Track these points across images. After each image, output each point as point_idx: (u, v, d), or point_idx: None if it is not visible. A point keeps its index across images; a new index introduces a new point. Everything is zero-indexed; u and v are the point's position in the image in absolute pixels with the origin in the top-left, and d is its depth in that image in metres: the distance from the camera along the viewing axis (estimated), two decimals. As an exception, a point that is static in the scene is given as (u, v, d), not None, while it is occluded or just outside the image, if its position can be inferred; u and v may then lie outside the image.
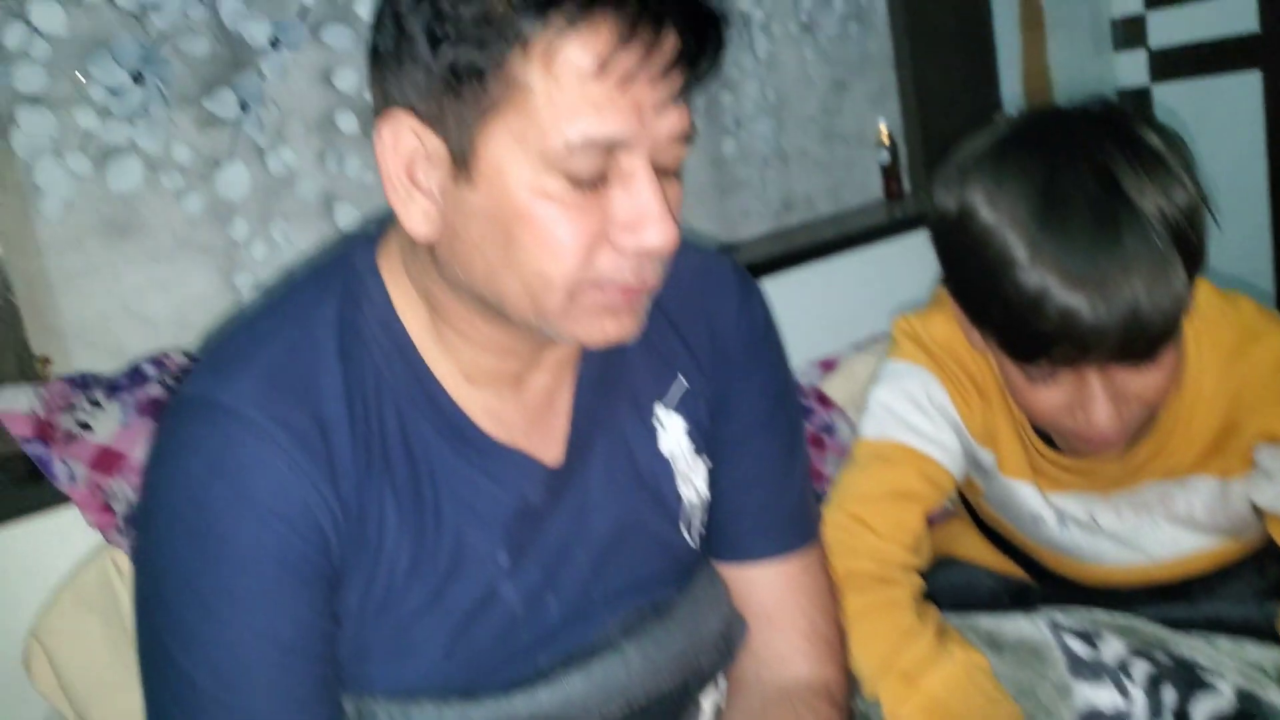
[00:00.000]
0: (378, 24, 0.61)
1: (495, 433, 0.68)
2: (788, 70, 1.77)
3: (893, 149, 1.84)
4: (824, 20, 1.81)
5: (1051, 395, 0.76)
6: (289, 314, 0.66)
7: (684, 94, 0.59)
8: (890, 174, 1.85)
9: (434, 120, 0.59)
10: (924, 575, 0.88)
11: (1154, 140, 0.73)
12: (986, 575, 1.01)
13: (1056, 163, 0.72)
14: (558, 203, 0.57)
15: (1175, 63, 2.16)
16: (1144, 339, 0.70)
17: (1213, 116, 2.11)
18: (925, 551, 0.90)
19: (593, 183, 0.58)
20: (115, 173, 1.21)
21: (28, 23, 1.15)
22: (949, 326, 0.89)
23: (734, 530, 0.79)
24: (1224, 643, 0.83)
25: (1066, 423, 0.77)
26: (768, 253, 1.60)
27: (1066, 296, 0.69)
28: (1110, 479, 0.88)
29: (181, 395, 0.64)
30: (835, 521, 0.87)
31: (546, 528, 0.70)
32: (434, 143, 0.59)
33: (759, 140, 1.75)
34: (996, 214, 0.72)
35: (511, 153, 0.57)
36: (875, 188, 1.89)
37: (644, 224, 0.58)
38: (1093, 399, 0.74)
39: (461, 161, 0.58)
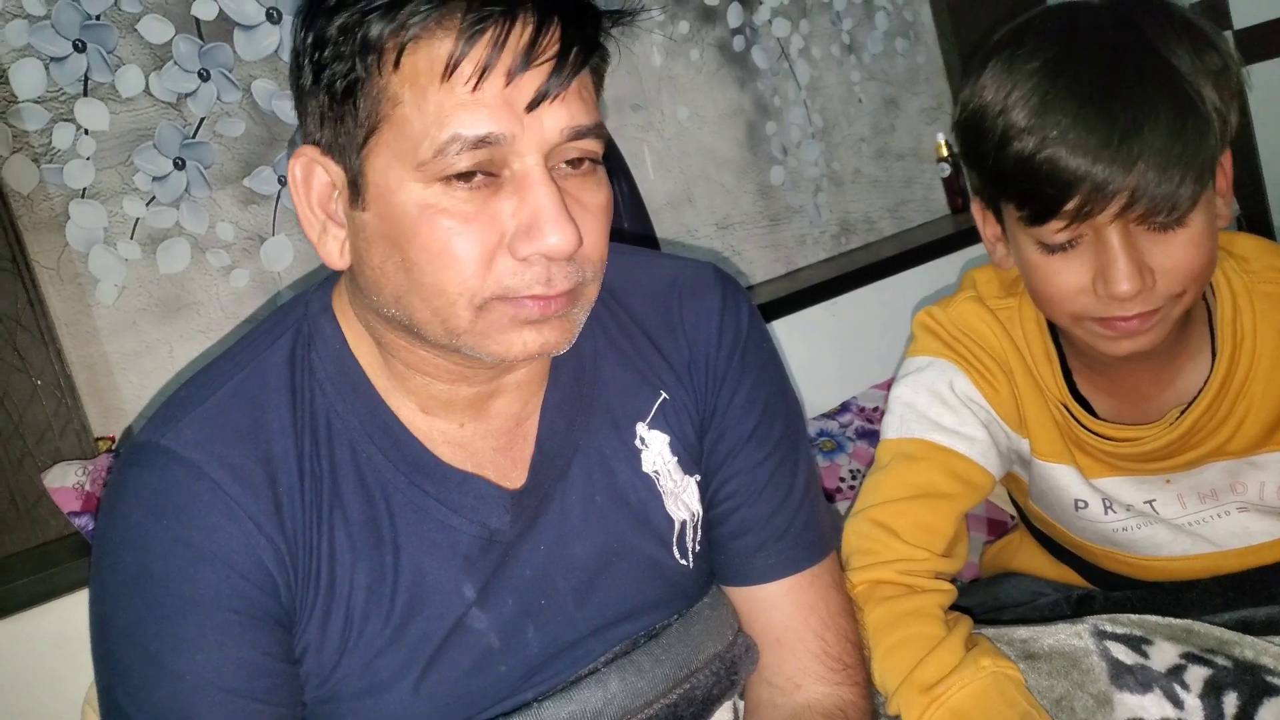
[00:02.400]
0: (290, 65, 0.61)
1: (457, 461, 0.65)
2: (833, 93, 1.73)
3: (954, 160, 1.76)
4: (867, 40, 1.76)
5: (1072, 269, 0.71)
6: (240, 358, 0.65)
7: (566, 82, 0.56)
8: (953, 186, 1.77)
9: (331, 148, 0.58)
10: (983, 589, 0.79)
11: (1187, 13, 0.69)
12: (1048, 586, 0.92)
13: (1078, 26, 0.69)
14: (445, 214, 0.55)
15: (1265, 41, 2.02)
16: (1164, 191, 0.65)
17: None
18: (961, 554, 0.82)
19: (479, 189, 0.55)
20: (164, 255, 1.25)
21: (75, 123, 1.21)
22: (971, 309, 0.84)
23: (735, 552, 0.73)
24: None
25: (1089, 302, 0.71)
26: (825, 275, 1.54)
27: (1078, 142, 0.65)
28: (1166, 456, 0.79)
29: (131, 443, 0.63)
30: (857, 530, 0.81)
31: (520, 556, 0.66)
32: (335, 170, 0.59)
33: (808, 165, 1.70)
34: (1007, 80, 0.69)
35: (394, 170, 0.56)
36: (940, 203, 1.81)
37: (539, 226, 0.55)
38: (1113, 262, 0.68)
39: (355, 185, 0.58)
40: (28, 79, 1.20)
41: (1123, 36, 0.67)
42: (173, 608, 0.58)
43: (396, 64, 0.55)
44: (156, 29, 1.26)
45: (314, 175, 0.59)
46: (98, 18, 1.23)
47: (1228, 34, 2.07)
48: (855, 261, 1.62)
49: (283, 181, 1.32)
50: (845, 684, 0.72)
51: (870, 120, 1.77)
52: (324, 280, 0.70)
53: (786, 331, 1.46)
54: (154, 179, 1.25)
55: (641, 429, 0.71)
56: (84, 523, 1.00)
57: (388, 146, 0.56)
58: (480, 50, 0.53)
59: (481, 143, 0.54)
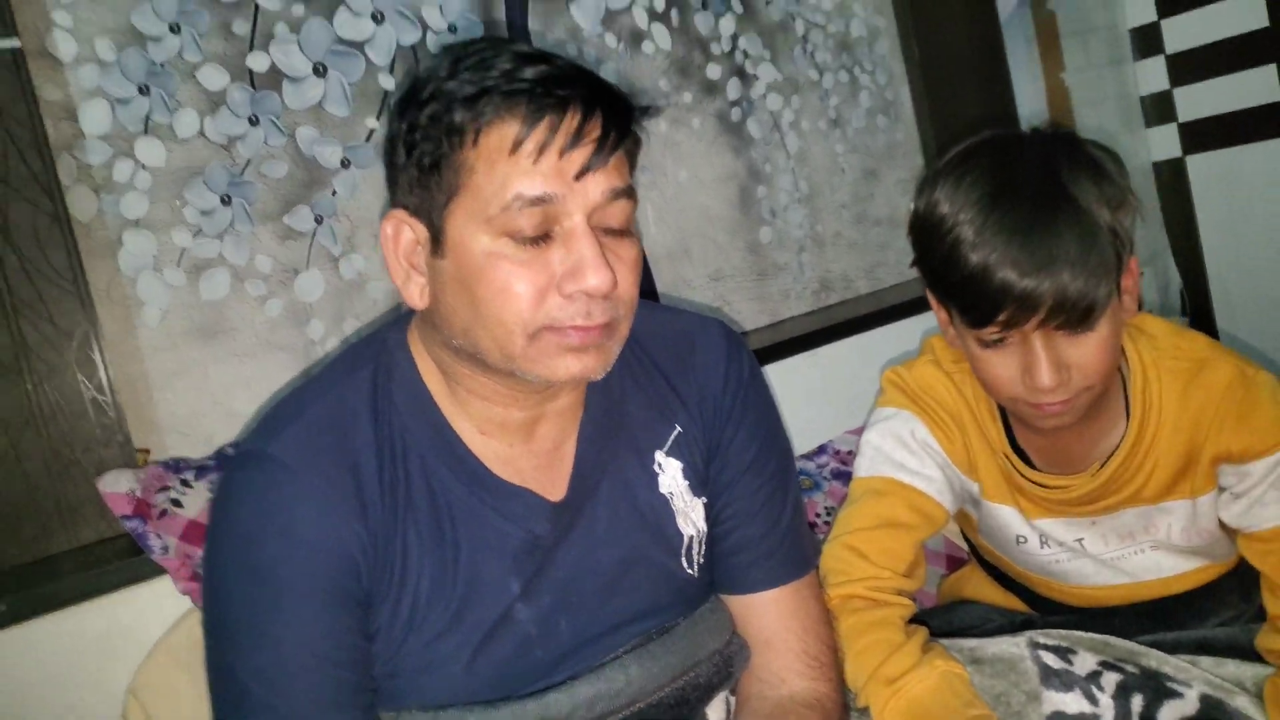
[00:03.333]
0: (384, 145, 0.75)
1: (506, 476, 0.78)
2: (819, 162, 1.89)
3: (925, 229, 1.91)
4: (851, 116, 1.92)
5: (1003, 362, 0.85)
6: (330, 383, 0.78)
7: (601, 159, 0.70)
8: (924, 253, 1.92)
9: (418, 211, 0.72)
10: (940, 614, 0.93)
11: (1097, 153, 0.84)
12: (995, 611, 1.06)
13: (1009, 162, 0.83)
14: (507, 260, 0.69)
15: (1206, 135, 2.22)
16: (1075, 307, 0.79)
17: (1244, 184, 2.15)
18: (920, 575, 0.96)
19: (536, 241, 0.69)
20: (206, 283, 1.36)
21: (134, 159, 1.33)
22: (931, 371, 0.99)
23: (733, 566, 0.86)
24: (1206, 661, 0.87)
25: (1019, 391, 0.85)
26: (806, 328, 1.68)
27: (1007, 269, 0.79)
28: (1089, 501, 0.94)
29: (239, 450, 0.75)
30: (832, 553, 0.95)
31: (556, 559, 0.78)
32: (420, 229, 0.72)
33: (794, 227, 1.85)
34: (954, 203, 0.83)
35: (468, 225, 0.69)
36: (910, 265, 1.97)
37: (581, 270, 0.69)
38: (1037, 362, 0.82)
39: (436, 240, 0.71)
40: (95, 117, 1.31)
41: (1041, 177, 0.81)
42: (276, 587, 0.69)
43: (475, 142, 0.68)
44: (214, 77, 1.37)
45: (402, 233, 0.73)
46: (162, 65, 1.34)
47: (1173, 125, 2.27)
48: (834, 316, 1.76)
49: (319, 220, 1.43)
50: (822, 680, 0.85)
51: (851, 188, 1.93)
52: (397, 320, 0.82)
53: (771, 377, 1.58)
54: (202, 213, 1.36)
55: (659, 456, 0.83)
56: (134, 526, 1.10)
57: (464, 207, 0.69)
58: (539, 132, 0.67)
59: (538, 201, 0.68)
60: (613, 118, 0.70)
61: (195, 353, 1.35)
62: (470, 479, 0.76)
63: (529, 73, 0.68)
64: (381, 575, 0.72)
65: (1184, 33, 2.20)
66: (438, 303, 0.72)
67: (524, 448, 0.79)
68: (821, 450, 1.54)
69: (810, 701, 0.84)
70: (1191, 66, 2.20)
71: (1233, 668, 0.88)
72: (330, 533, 0.70)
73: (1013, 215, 0.80)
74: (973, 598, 1.12)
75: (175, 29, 1.35)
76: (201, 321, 1.36)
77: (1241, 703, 0.84)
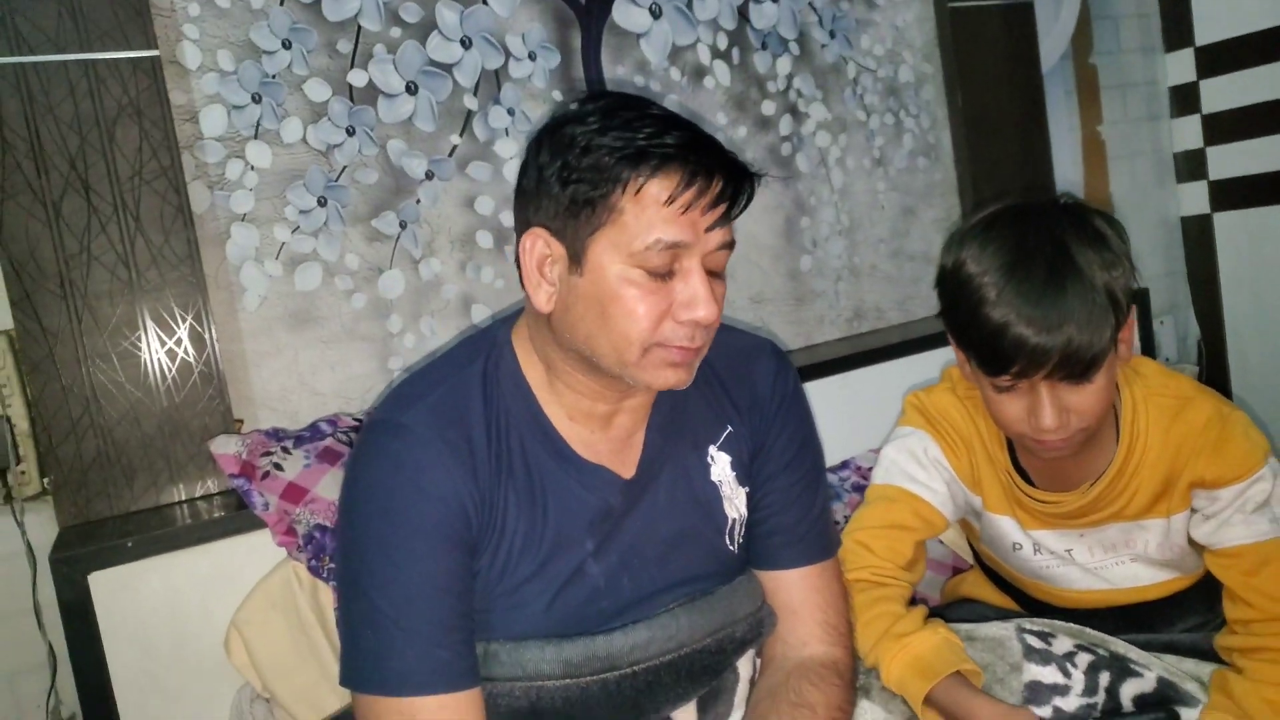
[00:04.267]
0: (523, 170, 0.89)
1: (588, 455, 0.93)
2: (860, 198, 2.02)
3: (957, 267, 2.03)
4: (894, 156, 2.05)
5: (1013, 404, 0.98)
6: (450, 369, 0.94)
7: (726, 218, 0.85)
8: (955, 289, 2.04)
9: (559, 233, 0.86)
10: (942, 611, 1.07)
11: (1100, 224, 0.97)
12: (990, 609, 1.20)
13: (1026, 232, 0.96)
14: (638, 287, 0.84)
15: (1234, 194, 2.32)
16: (1078, 362, 0.92)
17: (1268, 243, 2.25)
18: (919, 570, 1.13)
19: (662, 276, 0.83)
20: (300, 275, 1.51)
21: (245, 160, 1.48)
22: (947, 397, 1.14)
23: (768, 546, 1.01)
24: (1169, 658, 1.02)
25: (1025, 429, 0.98)
26: (839, 353, 1.81)
27: (1022, 328, 0.92)
28: (1079, 515, 1.07)
29: (373, 419, 0.90)
30: (846, 545, 1.11)
31: (624, 526, 0.94)
32: (558, 248, 0.86)
33: (833, 258, 1.98)
34: (979, 266, 0.96)
35: (609, 254, 0.83)
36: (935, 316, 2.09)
37: (695, 304, 0.84)
38: (1042, 407, 0.96)
39: (576, 260, 0.85)
40: (213, 121, 1.47)
41: (1052, 247, 0.94)
42: (406, 530, 0.85)
43: (633, 191, 0.82)
44: (318, 90, 1.53)
45: (538, 246, 0.87)
46: (274, 77, 1.50)
47: (1203, 183, 2.37)
48: (865, 344, 1.88)
49: (403, 225, 1.58)
50: (838, 646, 1.00)
51: (890, 224, 2.06)
52: (504, 319, 0.97)
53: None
54: (300, 211, 1.52)
55: (713, 450, 0.99)
56: (241, 484, 1.25)
57: (608, 238, 0.83)
58: (690, 194, 0.82)
59: (674, 245, 0.83)
60: (740, 184, 0.85)
61: (287, 337, 1.50)
62: (558, 456, 0.91)
63: (676, 138, 0.82)
64: (486, 527, 0.88)
65: (1221, 94, 2.30)
66: (565, 310, 0.86)
67: (603, 434, 0.94)
68: (845, 465, 1.67)
69: (827, 663, 0.97)
70: (1225, 127, 2.30)
71: (1191, 665, 1.03)
72: (450, 488, 0.85)
73: (1028, 281, 0.92)
74: (972, 596, 1.27)
75: (287, 45, 1.51)
76: (294, 309, 1.51)
77: (1191, 688, 0.98)
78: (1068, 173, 2.27)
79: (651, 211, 0.82)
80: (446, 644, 0.85)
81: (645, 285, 0.83)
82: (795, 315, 1.94)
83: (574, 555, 0.91)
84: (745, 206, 0.87)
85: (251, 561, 1.23)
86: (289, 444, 1.30)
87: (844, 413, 1.77)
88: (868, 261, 2.03)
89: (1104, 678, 0.98)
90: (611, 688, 0.91)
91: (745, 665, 1.01)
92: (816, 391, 1.74)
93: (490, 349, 0.94)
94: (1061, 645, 1.01)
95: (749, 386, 1.01)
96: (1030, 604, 1.19)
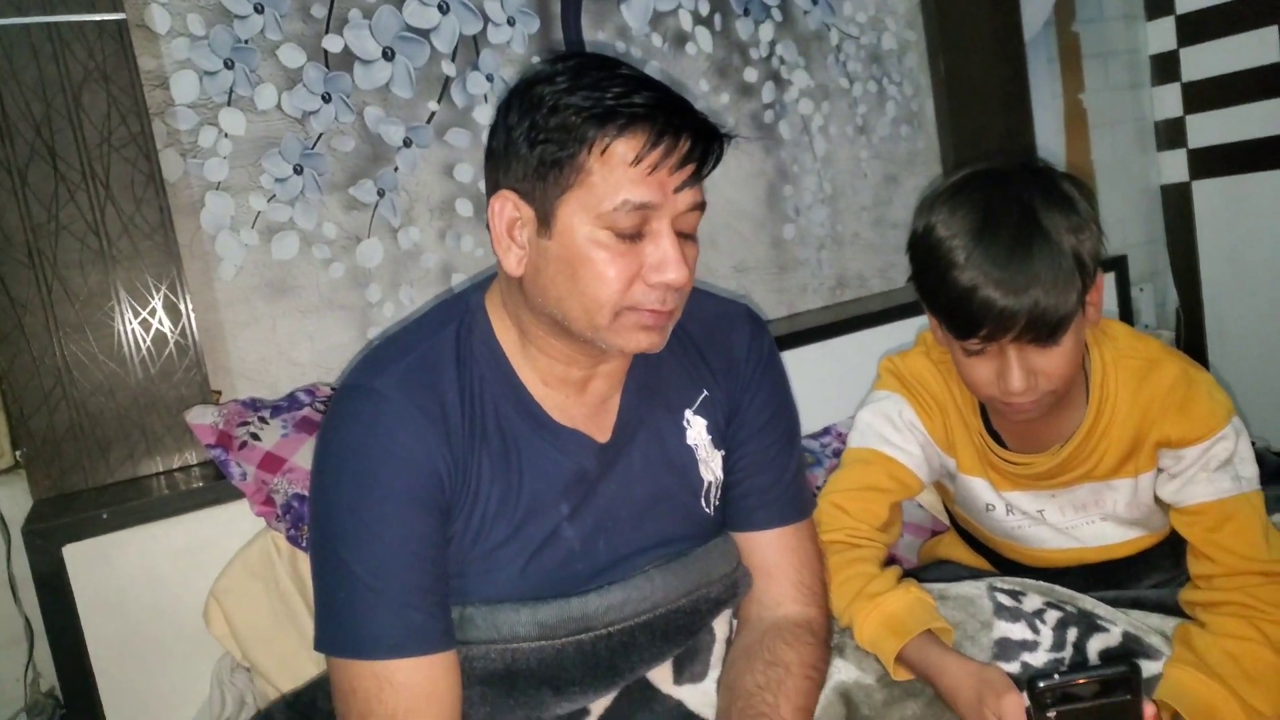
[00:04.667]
0: (492, 132, 0.88)
1: (562, 420, 0.93)
2: (843, 166, 2.01)
3: (939, 235, 2.03)
4: (877, 124, 2.04)
5: (982, 367, 0.99)
6: (423, 334, 0.93)
7: (695, 178, 0.84)
8: (936, 257, 2.04)
9: (528, 195, 0.85)
10: (918, 572, 1.08)
11: (1068, 188, 0.97)
12: (964, 570, 1.22)
13: (994, 197, 0.97)
14: (607, 250, 0.83)
15: (1213, 162, 2.32)
16: (1045, 325, 0.93)
17: (1247, 211, 2.25)
18: (894, 532, 1.14)
19: (631, 237, 0.83)
20: (277, 244, 1.50)
21: (218, 127, 1.46)
22: (922, 361, 1.15)
23: (743, 507, 1.02)
24: (1135, 613, 1.04)
25: (994, 392, 0.99)
26: (821, 321, 1.81)
27: (990, 291, 0.93)
28: (1050, 476, 1.09)
29: (346, 384, 0.90)
30: (822, 507, 1.12)
31: (599, 490, 0.94)
32: (527, 210, 0.85)
33: (816, 226, 1.97)
34: (948, 230, 0.96)
35: (578, 216, 0.83)
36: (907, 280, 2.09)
37: (665, 266, 0.83)
38: (1010, 370, 0.97)
39: (544, 222, 0.84)
40: (185, 87, 1.44)
41: (1020, 212, 0.94)
42: (380, 494, 0.84)
43: (602, 152, 0.81)
44: (292, 55, 1.50)
45: (507, 209, 0.86)
46: (246, 42, 1.47)
47: (1183, 151, 2.38)
48: (847, 311, 1.88)
49: (380, 193, 1.57)
50: (813, 605, 1.01)
51: (872, 192, 2.05)
52: (478, 284, 0.96)
53: (786, 363, 1.71)
54: (276, 180, 1.50)
55: (688, 414, 0.99)
56: (218, 454, 1.24)
57: (577, 199, 0.82)
58: (658, 153, 0.81)
59: (642, 206, 0.82)
60: (710, 144, 0.85)
61: (265, 307, 1.49)
62: (533, 420, 0.91)
63: (644, 98, 0.81)
64: (460, 491, 0.87)
65: (1201, 62, 2.30)
66: (536, 274, 0.86)
67: (577, 399, 0.94)
68: (826, 431, 1.67)
69: (802, 622, 0.99)
70: (1205, 95, 2.30)
71: (1156, 620, 1.05)
72: (423, 452, 0.85)
73: (996, 245, 0.93)
74: (947, 557, 1.29)
75: (259, 9, 1.48)
76: (271, 279, 1.49)
77: (1156, 641, 1.00)
78: (1049, 141, 2.26)
79: (619, 172, 0.81)
80: (420, 607, 0.85)
81: (614, 247, 0.83)
82: (778, 284, 1.94)
83: (549, 519, 0.92)
84: (714, 166, 0.86)
85: (230, 532, 1.23)
86: (266, 414, 1.29)
87: (826, 380, 1.78)
88: (850, 229, 2.02)
89: (1071, 633, 0.99)
90: (587, 649, 0.91)
91: (721, 626, 1.02)
92: (798, 359, 1.75)
93: (463, 314, 0.93)
94: (1031, 603, 1.03)
95: (724, 351, 1.01)
96: (1003, 564, 1.21)
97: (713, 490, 1.00)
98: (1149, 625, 1.04)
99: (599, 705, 0.95)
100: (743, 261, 1.90)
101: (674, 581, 0.96)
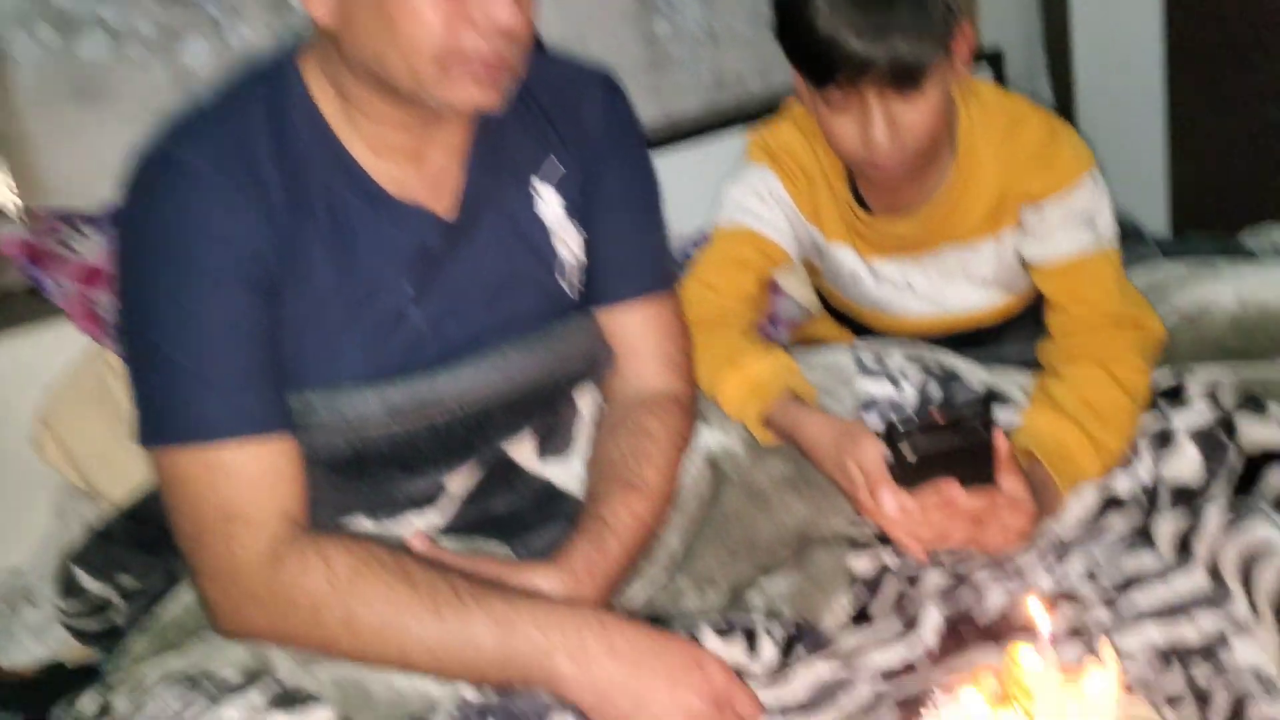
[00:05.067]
0: None
1: (399, 194, 0.85)
2: (717, -44, 1.89)
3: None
4: (751, -91, 1.92)
5: (846, 124, 0.95)
6: (226, 100, 0.83)
7: None
8: (816, 54, 1.97)
9: None
10: (789, 353, 1.08)
11: None
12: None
13: None
14: None
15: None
16: (905, 70, 0.90)
17: (1123, 10, 2.22)
18: (763, 308, 1.15)
19: None
20: (83, 43, 1.33)
21: (-4, -96, 1.26)
22: (789, 130, 1.11)
23: (603, 281, 0.98)
24: (996, 367, 1.07)
25: (860, 152, 0.97)
26: (699, 122, 1.75)
27: (847, 33, 0.89)
28: (915, 240, 1.09)
29: (147, 155, 0.80)
30: (688, 285, 1.10)
31: (446, 270, 0.88)
32: None
33: (690, 22, 1.87)
34: None
35: None
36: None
37: (493, 2, 0.75)
38: (872, 122, 0.93)
39: None
40: None
41: None
42: (196, 273, 0.77)
43: None
44: None
45: None
46: None
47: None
48: (725, 113, 1.81)
49: (201, -16, 1.40)
50: (678, 379, 0.99)
51: (748, -16, 1.94)
52: (285, 48, 0.86)
53: (663, 166, 1.64)
54: (74, -33, 1.32)
55: (536, 182, 0.92)
56: (30, 270, 1.13)
57: None
58: None
59: None
60: None
61: (77, 115, 1.34)
62: (366, 195, 0.84)
63: None
64: (287, 272, 0.80)
65: None
66: (348, 23, 0.77)
67: (415, 170, 0.86)
68: (705, 238, 1.63)
69: (667, 395, 0.97)
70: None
71: (1016, 375, 1.08)
72: (240, 229, 0.78)
73: None
74: (815, 336, 1.30)
75: None
76: (82, 83, 1.34)
77: (1015, 393, 1.03)
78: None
79: None
80: (249, 389, 0.79)
81: None
82: (653, 83, 1.84)
83: (392, 300, 0.86)
84: None
85: (54, 354, 1.14)
86: (82, 225, 1.17)
87: (706, 183, 1.72)
88: (726, 25, 1.93)
89: (933, 388, 1.01)
90: (440, 429, 0.87)
91: (586, 403, 0.99)
92: (676, 161, 1.68)
93: (273, 79, 0.83)
94: (894, 362, 1.04)
95: (576, 119, 0.94)
96: (868, 334, 1.21)
97: (570, 268, 0.95)
98: (1010, 379, 1.06)
99: (458, 485, 0.92)
100: (615, 61, 1.79)
101: (530, 359, 0.92)
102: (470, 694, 0.75)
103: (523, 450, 0.94)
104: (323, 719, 0.70)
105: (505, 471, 0.93)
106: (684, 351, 1.01)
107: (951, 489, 0.88)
